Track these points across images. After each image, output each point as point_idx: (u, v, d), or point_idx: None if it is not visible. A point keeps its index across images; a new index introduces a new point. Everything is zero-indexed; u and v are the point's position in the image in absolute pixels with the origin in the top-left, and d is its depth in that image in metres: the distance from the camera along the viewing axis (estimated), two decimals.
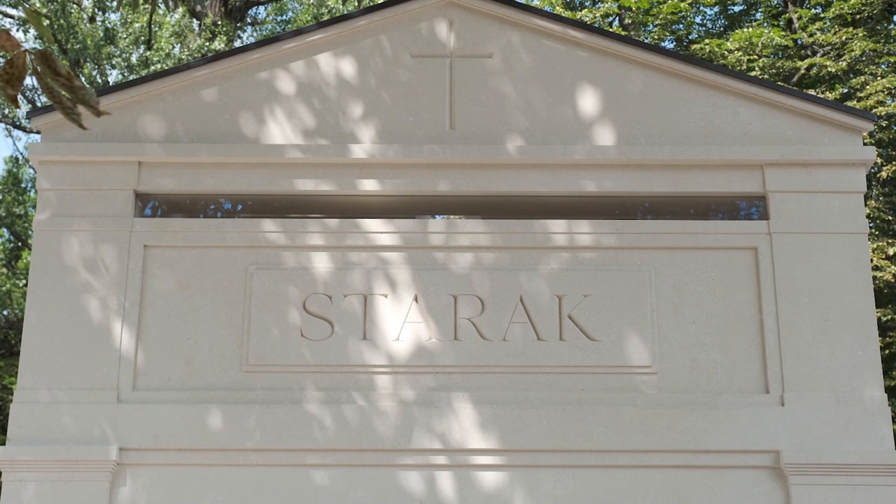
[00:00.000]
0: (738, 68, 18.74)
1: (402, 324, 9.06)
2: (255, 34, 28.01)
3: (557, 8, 20.57)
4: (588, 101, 9.61)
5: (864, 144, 9.72)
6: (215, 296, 9.14)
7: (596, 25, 18.75)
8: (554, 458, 8.73)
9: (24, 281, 24.20)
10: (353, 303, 9.12)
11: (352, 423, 8.77)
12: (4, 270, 25.46)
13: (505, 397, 8.87)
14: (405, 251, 9.26)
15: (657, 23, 20.81)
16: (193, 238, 9.28)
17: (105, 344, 8.98)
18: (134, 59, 24.55)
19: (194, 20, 25.75)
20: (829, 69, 18.84)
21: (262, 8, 28.39)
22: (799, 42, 20.29)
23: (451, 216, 9.75)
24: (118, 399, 8.83)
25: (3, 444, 17.84)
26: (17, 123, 25.30)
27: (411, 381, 8.96)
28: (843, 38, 18.93)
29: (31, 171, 26.12)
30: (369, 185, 9.43)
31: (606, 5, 20.89)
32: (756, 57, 19.37)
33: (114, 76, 24.98)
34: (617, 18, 22.22)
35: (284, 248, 9.26)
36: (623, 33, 19.75)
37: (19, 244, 25.85)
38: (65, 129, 9.49)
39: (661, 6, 20.62)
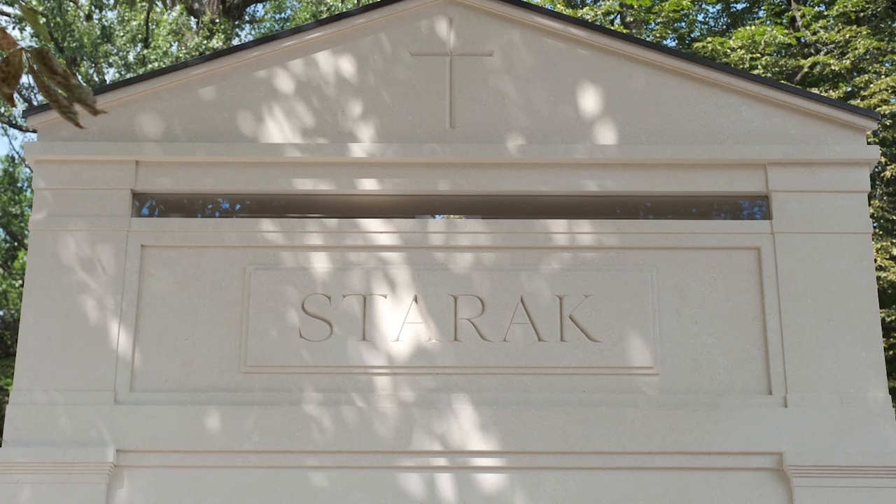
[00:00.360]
0: (741, 67, 18.74)
1: (401, 324, 9.06)
2: (253, 32, 28.01)
3: (558, 6, 20.57)
4: (589, 100, 9.61)
5: (868, 143, 9.72)
6: (213, 296, 9.14)
7: (597, 23, 18.75)
8: (555, 459, 8.73)
9: (20, 281, 24.21)
10: (352, 303, 9.12)
11: (351, 424, 8.77)
12: (0, 271, 25.46)
13: (505, 398, 8.87)
14: (405, 251, 9.26)
15: (659, 21, 20.81)
16: (191, 238, 9.28)
17: (102, 345, 8.98)
18: (131, 57, 24.56)
19: (192, 18, 25.76)
20: (833, 67, 18.84)
21: (260, 6, 28.40)
22: (802, 40, 20.29)
23: (451, 216, 9.75)
24: (115, 400, 8.83)
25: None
26: (14, 122, 25.31)
27: (411, 382, 8.96)
28: (847, 36, 18.93)
29: (28, 170, 26.12)
30: (368, 185, 9.42)
31: (608, 3, 20.89)
32: (759, 55, 19.38)
33: (111, 75, 24.99)
34: (618, 16, 22.23)
35: (283, 248, 9.26)
36: (625, 31, 19.76)
37: (15, 244, 25.85)
38: (61, 128, 9.48)
39: (662, 4, 20.62)
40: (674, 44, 21.74)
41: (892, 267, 16.92)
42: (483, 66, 9.74)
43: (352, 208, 9.47)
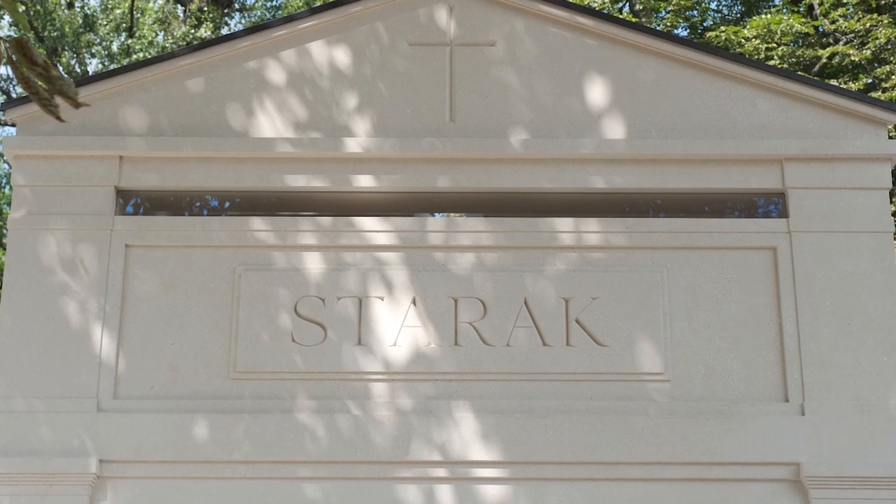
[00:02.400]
0: (756, 57, 18.75)
1: (399, 328, 9.06)
2: (243, 21, 28.01)
3: None
4: (597, 92, 9.62)
5: (890, 138, 9.73)
6: (201, 298, 9.14)
7: (605, 12, 18.75)
8: (560, 470, 8.74)
9: None
10: (347, 306, 9.12)
11: (346, 433, 8.77)
12: None
13: (508, 406, 8.88)
14: (403, 251, 9.26)
15: (670, 9, 20.82)
16: (178, 237, 9.29)
17: (84, 349, 8.98)
18: (115, 47, 24.57)
19: (179, 6, 25.78)
20: (853, 58, 18.84)
21: None
22: (820, 29, 20.30)
23: (452, 214, 9.75)
24: (98, 408, 8.84)
25: None
26: None
27: (409, 388, 8.96)
28: (867, 25, 18.94)
29: (6, 166, 26.12)
30: (365, 181, 9.43)
31: None
32: (775, 45, 19.38)
33: (93, 65, 25.00)
34: (627, 4, 22.24)
35: (274, 248, 9.26)
36: (634, 20, 19.77)
37: None
38: (42, 122, 9.49)
39: None
40: (685, 33, 21.75)
41: None
42: (485, 57, 9.74)
43: (347, 206, 9.47)
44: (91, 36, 24.23)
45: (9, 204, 25.13)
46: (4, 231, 24.53)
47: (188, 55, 9.71)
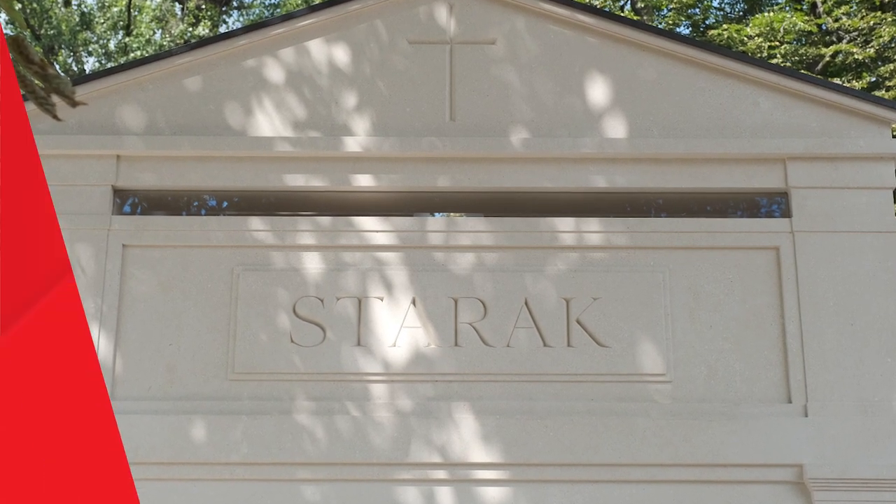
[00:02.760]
0: (759, 55, 18.74)
1: (398, 329, 9.06)
2: (241, 19, 28.02)
3: None
4: (598, 91, 9.62)
5: (894, 136, 9.73)
6: (199, 299, 9.14)
7: (606, 10, 18.75)
8: (561, 472, 8.74)
9: None
10: (346, 306, 9.12)
11: (345, 434, 8.77)
12: None
13: (509, 407, 8.88)
14: (402, 251, 9.26)
15: (672, 7, 20.82)
16: (176, 237, 9.29)
17: None
18: (112, 45, 24.57)
19: (177, 4, 25.78)
20: (856, 56, 18.85)
21: None
22: (823, 27, 20.30)
23: (452, 214, 9.75)
24: None
25: None
26: None
27: (409, 389, 8.96)
28: (871, 23, 18.94)
29: None
30: (364, 181, 9.43)
31: None
32: (778, 43, 19.38)
33: (90, 64, 25.00)
34: (629, 2, 22.24)
35: (273, 248, 9.26)
36: (635, 18, 19.76)
37: None
38: (38, 121, 9.47)
39: None
40: (687, 31, 21.75)
41: None
42: (485, 55, 9.74)
43: (346, 206, 9.47)
44: (88, 34, 24.24)
45: None
46: None
47: (186, 54, 9.71)
